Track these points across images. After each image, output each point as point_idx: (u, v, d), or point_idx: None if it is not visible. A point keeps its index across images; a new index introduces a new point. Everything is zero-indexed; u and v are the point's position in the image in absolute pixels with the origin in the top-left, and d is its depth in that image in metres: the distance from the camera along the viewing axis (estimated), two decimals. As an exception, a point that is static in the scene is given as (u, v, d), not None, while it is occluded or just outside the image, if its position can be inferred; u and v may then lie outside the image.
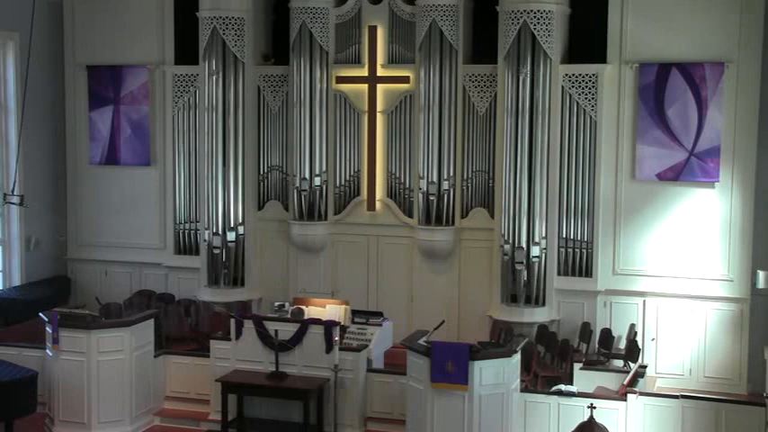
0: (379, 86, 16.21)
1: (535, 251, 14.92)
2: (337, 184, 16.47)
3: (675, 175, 14.78)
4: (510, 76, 14.96)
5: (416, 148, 15.86)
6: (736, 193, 14.60)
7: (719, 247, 14.74)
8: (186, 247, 17.12)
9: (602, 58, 15.06)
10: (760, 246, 14.61)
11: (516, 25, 14.78)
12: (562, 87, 15.05)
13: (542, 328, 15.01)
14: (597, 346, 14.76)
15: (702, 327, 14.83)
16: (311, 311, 14.30)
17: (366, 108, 16.31)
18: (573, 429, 10.93)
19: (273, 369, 12.92)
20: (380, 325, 14.30)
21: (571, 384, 12.79)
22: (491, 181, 15.66)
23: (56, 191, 17.97)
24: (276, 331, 13.01)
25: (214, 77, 16.36)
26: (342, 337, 13.12)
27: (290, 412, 12.83)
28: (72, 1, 17.57)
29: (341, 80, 16.39)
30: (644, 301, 15.08)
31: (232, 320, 13.34)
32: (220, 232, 16.42)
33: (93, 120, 17.60)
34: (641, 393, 12.21)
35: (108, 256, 17.65)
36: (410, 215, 16.11)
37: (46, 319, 12.95)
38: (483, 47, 15.84)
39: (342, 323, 13.71)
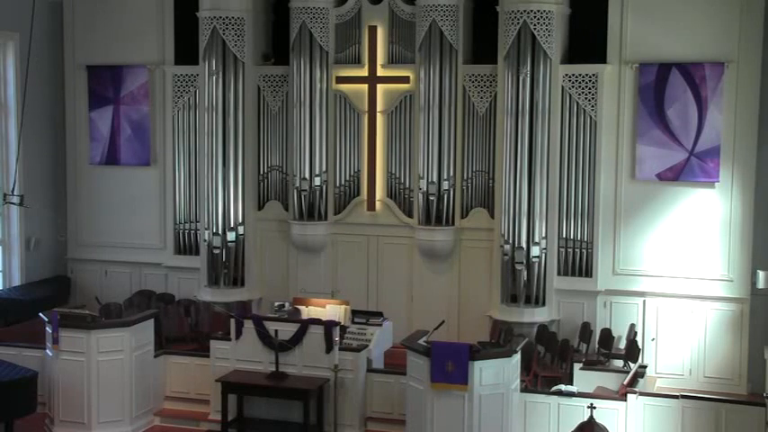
0: (379, 86, 16.21)
1: (535, 251, 14.92)
2: (337, 184, 16.48)
3: (675, 175, 14.78)
4: (510, 76, 14.96)
5: (416, 148, 15.86)
6: (736, 193, 14.60)
7: (719, 247, 14.73)
8: (186, 247, 17.12)
9: (602, 58, 15.06)
10: (760, 246, 14.61)
11: (516, 25, 14.78)
12: (562, 87, 15.06)
13: (542, 328, 15.01)
14: (597, 346, 14.76)
15: (702, 327, 14.83)
16: (311, 311, 14.31)
17: (366, 108, 16.31)
18: (573, 429, 10.93)
19: (273, 369, 12.92)
20: (380, 325, 14.32)
21: (571, 384, 12.80)
22: (491, 181, 15.66)
23: (56, 191, 17.97)
24: (276, 331, 13.02)
25: (214, 77, 16.36)
26: (342, 337, 13.12)
27: (290, 412, 12.83)
28: (72, 1, 17.56)
29: (341, 80, 16.39)
30: (644, 301, 15.08)
31: (232, 320, 13.34)
32: (220, 232, 16.42)
33: (93, 120, 17.60)
34: (641, 393, 12.22)
35: (108, 256, 17.65)
36: (410, 215, 16.11)
37: (46, 319, 12.95)
38: (483, 47, 15.85)
39: (342, 323, 13.71)
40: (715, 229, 14.74)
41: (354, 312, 14.58)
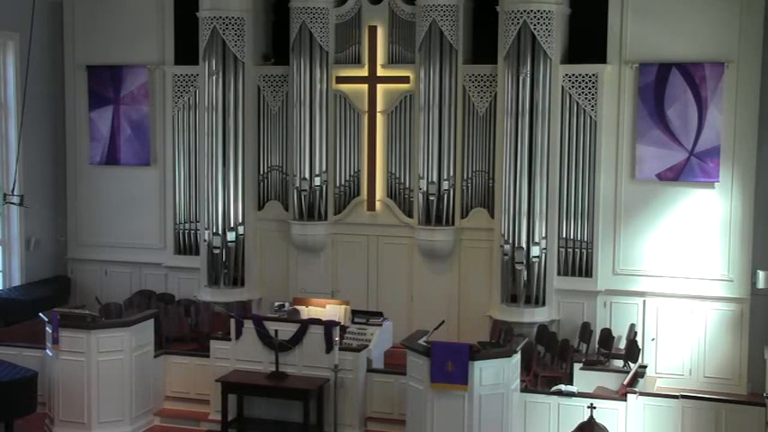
0: (379, 86, 16.21)
1: (535, 251, 14.92)
2: (337, 184, 16.48)
3: (675, 175, 14.78)
4: (510, 76, 14.96)
5: (416, 148, 15.86)
6: (736, 193, 14.60)
7: (719, 247, 14.73)
8: (186, 247, 17.13)
9: (602, 58, 15.06)
10: (760, 246, 14.61)
11: (516, 25, 14.78)
12: (562, 87, 15.05)
13: (542, 328, 15.01)
14: (597, 346, 14.76)
15: (702, 327, 14.83)
16: (311, 311, 14.31)
17: (366, 108, 16.31)
18: (573, 429, 10.93)
19: (273, 369, 12.92)
20: (380, 325, 14.31)
21: (571, 384, 12.80)
22: (491, 181, 15.66)
23: (56, 191, 17.97)
24: (276, 331, 13.02)
25: (214, 77, 16.36)
26: (342, 337, 13.12)
27: (290, 412, 12.83)
28: (72, 1, 17.57)
29: (341, 80, 16.39)
30: (644, 301, 15.08)
31: (232, 320, 13.34)
32: (220, 232, 16.42)
33: (93, 120, 17.60)
34: (641, 393, 12.22)
35: (108, 256, 17.65)
36: (410, 215, 16.11)
37: (46, 319, 12.95)
38: (483, 47, 15.85)
39: (342, 323, 13.72)
40: (715, 229, 14.73)
41: (354, 312, 14.58)
